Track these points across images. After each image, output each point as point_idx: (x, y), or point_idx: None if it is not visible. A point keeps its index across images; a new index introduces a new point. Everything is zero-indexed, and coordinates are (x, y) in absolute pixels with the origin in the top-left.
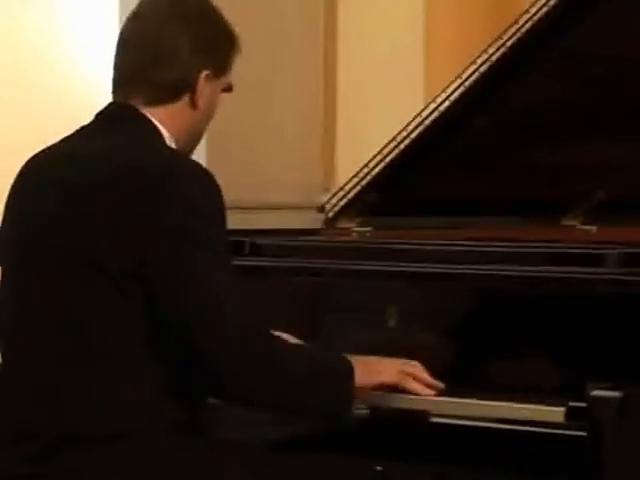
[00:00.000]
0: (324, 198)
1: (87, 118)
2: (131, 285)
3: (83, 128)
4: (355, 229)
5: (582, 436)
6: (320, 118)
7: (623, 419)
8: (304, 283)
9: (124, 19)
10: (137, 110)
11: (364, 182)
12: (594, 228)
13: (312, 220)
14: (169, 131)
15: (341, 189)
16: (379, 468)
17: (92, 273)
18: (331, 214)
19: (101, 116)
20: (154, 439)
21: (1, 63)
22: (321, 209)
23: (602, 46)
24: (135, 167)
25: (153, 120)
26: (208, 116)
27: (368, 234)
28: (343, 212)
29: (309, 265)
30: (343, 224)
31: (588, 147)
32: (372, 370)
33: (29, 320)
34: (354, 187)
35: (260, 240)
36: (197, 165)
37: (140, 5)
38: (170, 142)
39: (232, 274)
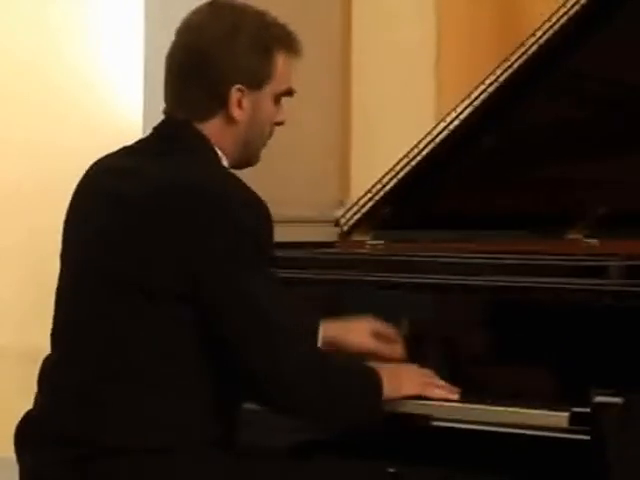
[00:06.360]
0: (339, 212)
1: (100, 120)
2: (178, 305)
3: (139, 142)
4: (369, 242)
5: (586, 440)
6: (336, 136)
7: (625, 424)
8: (319, 293)
9: (149, 21)
10: (192, 127)
11: (378, 197)
12: (597, 241)
13: (328, 234)
14: (218, 146)
15: (355, 204)
16: (392, 470)
17: (139, 292)
18: (346, 228)
19: (157, 131)
20: (190, 455)
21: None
22: (336, 223)
23: (603, 68)
24: (187, 189)
25: (206, 135)
26: (258, 127)
27: (381, 247)
28: (357, 226)
29: (324, 276)
30: (357, 237)
31: (591, 164)
32: (395, 384)
33: (79, 334)
34: (368, 202)
35: (278, 252)
36: (248, 190)
37: (183, 21)
38: (222, 157)
39: (281, 294)
